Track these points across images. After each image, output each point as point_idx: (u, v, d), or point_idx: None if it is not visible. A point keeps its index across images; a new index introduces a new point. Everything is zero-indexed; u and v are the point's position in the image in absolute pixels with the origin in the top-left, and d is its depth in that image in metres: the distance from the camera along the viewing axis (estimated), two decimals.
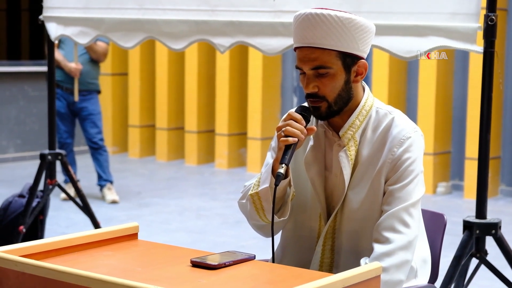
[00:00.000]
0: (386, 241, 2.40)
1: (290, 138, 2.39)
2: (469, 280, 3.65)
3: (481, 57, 3.44)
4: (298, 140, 2.40)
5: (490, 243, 3.54)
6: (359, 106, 2.50)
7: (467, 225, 3.48)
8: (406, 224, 2.41)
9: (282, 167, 2.37)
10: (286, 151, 2.39)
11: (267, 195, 2.44)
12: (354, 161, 2.49)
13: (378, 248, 2.40)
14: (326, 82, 2.42)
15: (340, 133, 2.50)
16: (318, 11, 2.39)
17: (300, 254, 2.59)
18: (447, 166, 8.27)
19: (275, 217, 2.46)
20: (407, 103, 8.39)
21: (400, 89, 8.35)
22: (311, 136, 2.54)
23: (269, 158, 2.60)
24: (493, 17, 3.36)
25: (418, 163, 2.47)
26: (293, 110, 2.48)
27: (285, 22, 3.87)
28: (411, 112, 8.14)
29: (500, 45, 7.54)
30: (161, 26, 4.29)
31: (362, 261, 2.42)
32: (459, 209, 7.26)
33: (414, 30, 3.55)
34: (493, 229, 3.46)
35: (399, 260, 2.38)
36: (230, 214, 6.94)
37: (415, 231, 2.44)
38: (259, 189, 2.47)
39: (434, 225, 2.78)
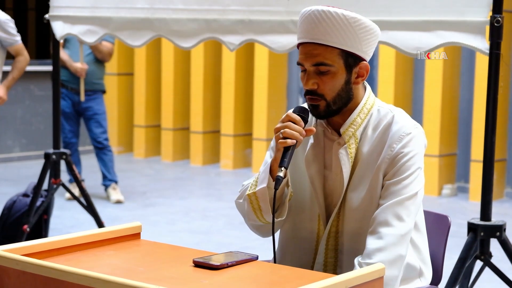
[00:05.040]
0: (378, 235, 2.36)
1: (288, 140, 2.36)
2: (473, 283, 3.64)
3: (487, 58, 3.42)
4: (297, 141, 2.38)
5: (494, 246, 3.53)
6: (360, 104, 2.47)
7: (471, 227, 3.47)
8: (400, 218, 2.37)
9: (282, 170, 2.35)
10: (285, 153, 2.37)
11: (265, 195, 2.42)
12: (354, 159, 2.46)
13: (370, 243, 2.36)
14: (326, 80, 2.40)
15: (341, 130, 2.47)
16: (325, 8, 2.38)
17: (300, 255, 2.57)
18: (453, 168, 8.25)
19: None
20: (413, 104, 8.37)
21: (406, 90, 8.33)
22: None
23: (268, 158, 2.57)
24: (499, 19, 3.34)
25: (417, 159, 2.43)
26: (291, 111, 2.46)
27: (295, 20, 3.84)
28: (417, 114, 8.12)
29: (506, 47, 7.51)
30: (170, 25, 4.27)
31: (356, 260, 2.39)
32: (464, 211, 7.25)
33: (424, 25, 3.51)
34: (498, 231, 3.45)
35: (392, 255, 2.34)
36: (235, 215, 6.90)
37: (410, 224, 2.39)
38: (257, 189, 2.44)
39: (439, 227, 2.76)
